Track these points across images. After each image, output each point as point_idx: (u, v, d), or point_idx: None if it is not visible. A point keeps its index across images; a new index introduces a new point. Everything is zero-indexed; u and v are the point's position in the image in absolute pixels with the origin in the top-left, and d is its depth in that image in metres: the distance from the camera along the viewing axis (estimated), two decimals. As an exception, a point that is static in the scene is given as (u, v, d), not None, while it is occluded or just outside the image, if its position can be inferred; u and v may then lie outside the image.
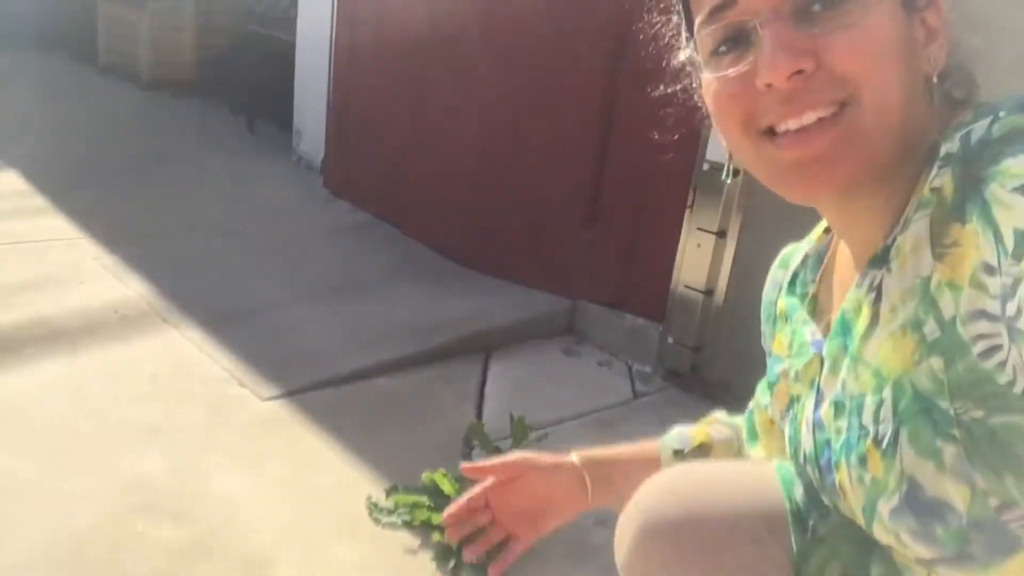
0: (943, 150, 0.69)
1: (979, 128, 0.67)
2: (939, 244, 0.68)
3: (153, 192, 4.57)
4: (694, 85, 0.91)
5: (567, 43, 3.31)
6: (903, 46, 0.72)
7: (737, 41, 0.74)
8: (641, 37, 0.96)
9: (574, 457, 1.27)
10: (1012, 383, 0.63)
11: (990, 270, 0.62)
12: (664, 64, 0.95)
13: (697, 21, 0.79)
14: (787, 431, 1.00)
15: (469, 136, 3.77)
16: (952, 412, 0.67)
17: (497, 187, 3.68)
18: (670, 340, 3.09)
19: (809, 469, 0.91)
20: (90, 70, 7.40)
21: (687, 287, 3.01)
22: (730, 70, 0.75)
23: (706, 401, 3.02)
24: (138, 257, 3.63)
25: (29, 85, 6.82)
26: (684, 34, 0.87)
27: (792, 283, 1.01)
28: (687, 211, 2.93)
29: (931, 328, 0.69)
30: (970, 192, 0.64)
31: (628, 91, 3.15)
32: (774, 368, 1.04)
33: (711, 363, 3.02)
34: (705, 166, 2.80)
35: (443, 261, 3.89)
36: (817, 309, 0.95)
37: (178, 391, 2.70)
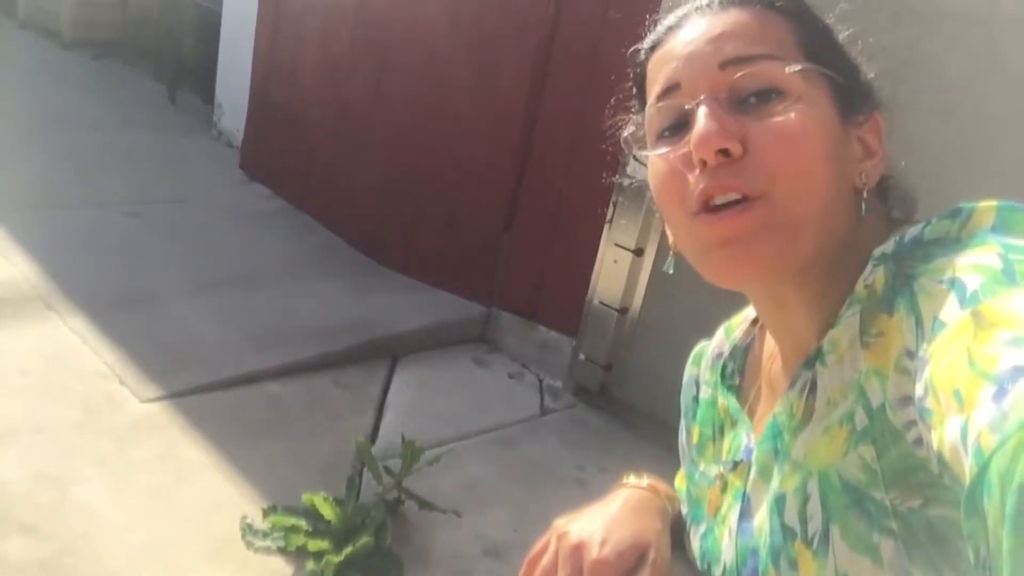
0: (877, 251, 0.70)
1: (913, 231, 0.69)
2: (866, 334, 0.68)
3: (57, 159, 4.30)
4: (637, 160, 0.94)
5: (494, 47, 3.19)
6: (832, 150, 0.74)
7: (680, 124, 0.77)
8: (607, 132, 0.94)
9: (643, 482, 0.99)
10: (941, 473, 0.59)
11: (911, 355, 0.62)
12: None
13: (648, 103, 0.81)
14: (698, 545, 0.93)
15: (390, 131, 3.62)
16: (888, 503, 0.65)
17: (416, 185, 3.54)
18: (582, 356, 2.99)
19: None
20: (9, 23, 7.01)
21: (602, 303, 2.91)
22: (671, 148, 0.77)
23: (614, 422, 2.94)
24: (28, 232, 3.39)
25: (-62, 34, 6.44)
26: (636, 115, 0.90)
27: (723, 376, 0.96)
28: (606, 226, 2.83)
29: (860, 417, 0.68)
30: (900, 287, 0.66)
31: (552, 100, 3.05)
32: (708, 472, 0.96)
33: (620, 383, 2.93)
34: (626, 181, 2.69)
35: (357, 256, 3.74)
36: (745, 404, 0.92)
37: (50, 386, 2.51)
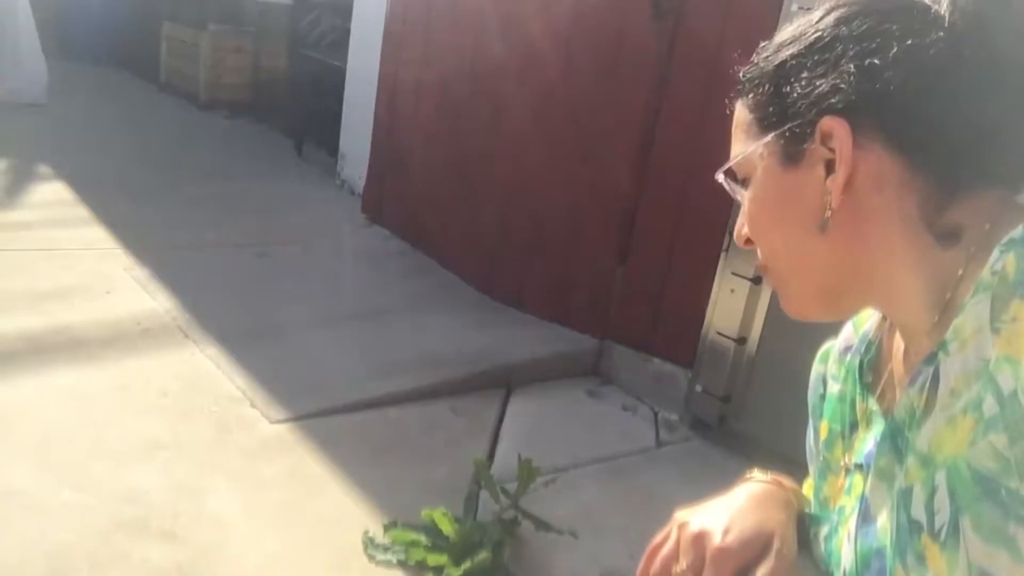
0: (1005, 238, 0.68)
1: None
2: (998, 320, 0.66)
3: (195, 208, 4.59)
4: None
5: (606, 83, 3.25)
6: (781, 208, 0.80)
7: None
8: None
9: (767, 476, 1.00)
10: None
11: None
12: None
13: None
14: (822, 547, 0.91)
15: (504, 170, 3.72)
16: (1023, 492, 0.62)
17: (530, 222, 3.61)
18: (698, 388, 2.96)
19: None
20: (151, 87, 7.58)
21: (719, 334, 2.88)
22: None
23: (733, 455, 2.88)
24: (169, 270, 3.62)
25: (91, 98, 6.99)
26: None
27: (860, 373, 0.94)
28: (722, 255, 2.81)
29: (989, 405, 0.65)
30: None
31: (665, 132, 3.07)
32: (836, 469, 0.95)
33: (740, 415, 2.88)
34: (742, 209, 2.69)
35: (473, 292, 3.82)
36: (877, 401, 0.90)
37: (187, 407, 2.65)
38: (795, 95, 0.76)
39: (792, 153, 0.77)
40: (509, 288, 3.68)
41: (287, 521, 2.21)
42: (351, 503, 2.31)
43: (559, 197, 3.48)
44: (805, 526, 0.96)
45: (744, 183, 0.83)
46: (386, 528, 2.19)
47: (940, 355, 0.72)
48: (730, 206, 2.74)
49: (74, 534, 2.02)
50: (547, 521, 2.24)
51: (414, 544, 2.11)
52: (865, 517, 0.82)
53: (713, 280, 2.86)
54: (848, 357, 0.96)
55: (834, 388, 0.99)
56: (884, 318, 0.93)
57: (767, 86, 0.79)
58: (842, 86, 0.73)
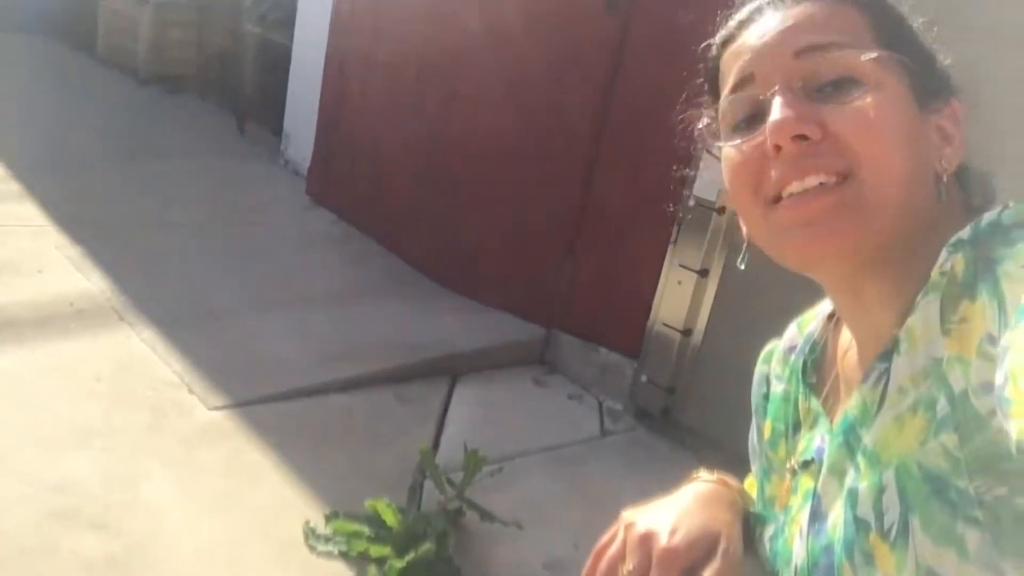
0: (953, 238, 0.69)
1: (989, 216, 0.68)
2: (948, 320, 0.67)
3: (133, 186, 4.45)
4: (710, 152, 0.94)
5: (559, 74, 3.23)
6: (910, 135, 0.74)
7: (755, 116, 0.78)
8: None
9: (713, 476, 0.98)
10: None
11: (993, 341, 0.61)
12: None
13: (723, 95, 0.82)
14: (767, 548, 0.91)
15: (454, 156, 3.68)
16: (972, 491, 0.63)
17: (479, 209, 3.58)
18: (643, 378, 2.97)
19: None
20: (89, 61, 7.33)
21: (665, 325, 2.89)
22: (746, 139, 0.78)
23: (677, 446, 2.90)
24: (104, 250, 3.51)
25: (25, 71, 6.73)
26: (709, 107, 0.90)
27: (804, 373, 0.93)
28: (670, 247, 2.82)
29: (942, 405, 0.66)
30: (982, 271, 0.64)
31: (617, 122, 3.07)
32: (780, 468, 0.95)
33: (684, 406, 2.89)
34: (691, 202, 2.70)
35: (420, 278, 3.78)
36: (821, 403, 0.89)
37: (122, 392, 2.57)
38: (936, 56, 0.79)
39: (919, 97, 0.76)
40: (457, 275, 3.65)
41: (225, 510, 2.16)
42: (292, 492, 2.27)
43: (509, 185, 3.45)
44: (751, 526, 0.96)
45: (854, 80, 0.74)
46: (328, 518, 2.15)
47: (894, 353, 0.73)
48: (679, 199, 2.75)
49: (2, 524, 1.94)
50: (492, 512, 2.23)
51: (356, 535, 2.08)
52: (816, 514, 0.82)
53: (660, 272, 2.87)
54: (792, 357, 0.96)
55: (778, 388, 0.99)
56: (829, 318, 0.94)
57: (903, 25, 0.78)
58: (955, 79, 0.80)
